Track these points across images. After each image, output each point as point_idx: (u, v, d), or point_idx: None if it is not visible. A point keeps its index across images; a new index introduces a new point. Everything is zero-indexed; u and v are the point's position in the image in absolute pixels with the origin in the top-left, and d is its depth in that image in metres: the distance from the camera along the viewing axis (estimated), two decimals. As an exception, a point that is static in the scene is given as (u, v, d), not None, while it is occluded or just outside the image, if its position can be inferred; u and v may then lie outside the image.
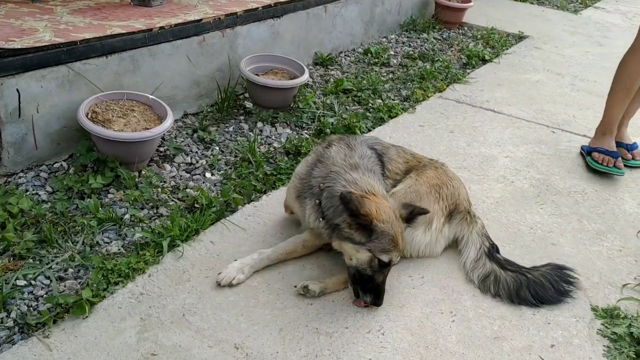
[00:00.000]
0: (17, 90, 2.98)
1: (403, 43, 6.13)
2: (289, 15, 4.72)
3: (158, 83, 3.73)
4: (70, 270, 2.51)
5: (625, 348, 2.35)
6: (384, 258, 2.25)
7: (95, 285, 2.37)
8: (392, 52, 5.80)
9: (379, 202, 2.31)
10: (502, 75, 5.35)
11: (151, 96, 3.45)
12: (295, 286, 2.51)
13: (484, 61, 5.73)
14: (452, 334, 2.38)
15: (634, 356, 2.32)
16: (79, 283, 2.44)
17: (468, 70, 5.47)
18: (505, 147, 4.00)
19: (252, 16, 4.35)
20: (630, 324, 2.45)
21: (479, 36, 6.51)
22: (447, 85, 4.98)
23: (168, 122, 3.23)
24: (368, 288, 2.32)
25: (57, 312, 2.24)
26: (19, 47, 2.99)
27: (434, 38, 6.34)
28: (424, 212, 2.43)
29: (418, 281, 2.66)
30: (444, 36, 6.49)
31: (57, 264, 2.54)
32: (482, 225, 2.83)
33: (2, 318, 2.23)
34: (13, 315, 2.25)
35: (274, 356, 2.18)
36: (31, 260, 2.53)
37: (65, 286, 2.42)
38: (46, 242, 2.63)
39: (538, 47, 6.31)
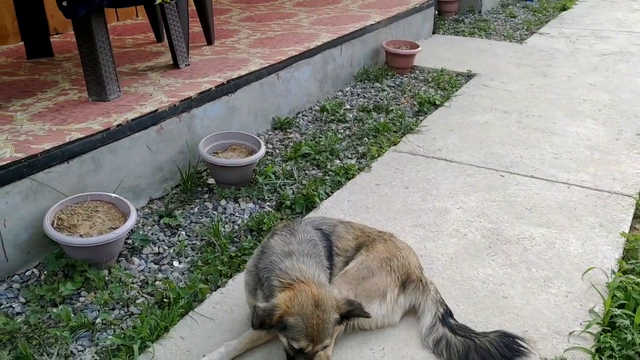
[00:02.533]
0: (-17, 210, 3.13)
1: (358, 95, 6.40)
2: (242, 89, 4.96)
3: (121, 177, 3.90)
4: (47, 385, 2.64)
5: (573, 399, 2.53)
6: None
7: (71, 401, 2.50)
8: (348, 106, 6.06)
9: (300, 292, 2.44)
10: (453, 120, 5.62)
11: (114, 195, 3.62)
12: (262, 376, 2.67)
13: (436, 106, 6.00)
14: (412, 406, 2.54)
15: (581, 407, 2.50)
16: (57, 398, 2.57)
17: (421, 118, 5.73)
18: (458, 197, 4.22)
19: (206, 97, 4.57)
20: (576, 374, 2.63)
21: (430, 79, 6.81)
22: (401, 137, 5.22)
23: (131, 221, 3.39)
24: None
25: None
26: (-19, 170, 3.15)
27: (388, 86, 6.63)
28: (364, 315, 2.57)
29: (379, 353, 2.82)
30: (397, 82, 6.78)
31: (34, 380, 2.66)
32: (435, 291, 3.02)
33: None
34: None
35: None
36: (9, 380, 2.66)
37: (43, 403, 2.54)
38: (22, 358, 2.75)
39: (486, 84, 6.62)
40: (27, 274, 3.37)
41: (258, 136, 4.67)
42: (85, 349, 2.85)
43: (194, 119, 4.47)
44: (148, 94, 4.47)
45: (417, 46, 7.10)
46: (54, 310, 3.06)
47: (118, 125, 3.86)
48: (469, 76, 6.93)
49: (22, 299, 3.17)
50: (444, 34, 9.11)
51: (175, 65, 5.18)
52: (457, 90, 6.46)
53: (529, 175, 4.52)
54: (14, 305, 3.12)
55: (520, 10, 10.93)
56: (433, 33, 8.95)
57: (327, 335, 2.44)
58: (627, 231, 3.75)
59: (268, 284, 2.60)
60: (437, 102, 6.04)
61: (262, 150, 4.33)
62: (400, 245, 3.10)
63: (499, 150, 4.97)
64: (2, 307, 3.10)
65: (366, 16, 7.37)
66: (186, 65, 5.23)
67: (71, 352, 2.82)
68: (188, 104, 4.40)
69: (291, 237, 2.81)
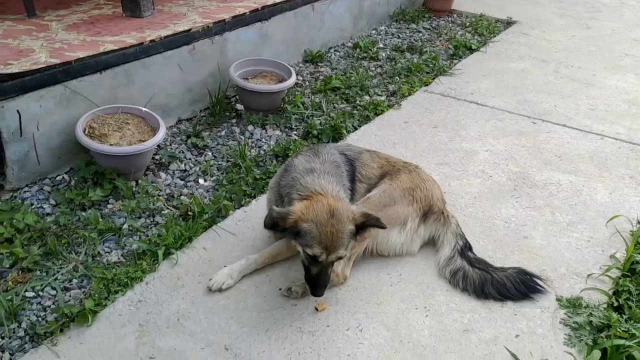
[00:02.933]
0: (18, 111, 3.18)
1: (392, 35, 6.26)
2: (276, 17, 4.87)
3: (152, 93, 3.92)
4: (75, 280, 2.74)
5: (585, 336, 2.55)
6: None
7: (97, 295, 2.60)
8: (381, 45, 5.93)
9: (316, 202, 2.46)
10: (488, 65, 5.48)
11: (144, 109, 3.64)
12: (280, 288, 2.73)
13: (471, 50, 5.85)
14: (425, 329, 2.59)
15: (592, 343, 2.52)
16: (83, 292, 2.68)
17: (455, 61, 5.60)
18: (486, 140, 4.16)
19: (240, 21, 4.51)
20: (590, 313, 2.65)
21: (468, 24, 6.62)
22: (433, 79, 5.12)
23: (160, 135, 3.43)
24: (307, 278, 2.52)
25: (64, 321, 2.48)
26: (17, 71, 3.18)
27: (423, 28, 6.46)
28: (379, 226, 2.53)
29: (396, 278, 2.86)
30: (433, 25, 6.60)
31: (62, 274, 2.77)
32: (456, 224, 3.03)
33: (14, 328, 2.48)
34: (24, 325, 2.49)
35: (261, 355, 2.41)
36: (38, 273, 2.77)
37: (70, 296, 2.65)
38: (51, 254, 2.86)
39: (526, 32, 6.41)
40: (57, 178, 3.45)
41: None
42: (112, 250, 2.95)
43: (226, 42, 4.43)
44: (182, 13, 4.43)
45: (458, -12, 6.87)
46: (83, 213, 3.15)
47: (151, 41, 3.85)
48: (509, 23, 6.71)
49: (52, 201, 3.26)
50: (486, -20, 8.78)
51: (210, -12, 5.09)
52: (495, 36, 6.27)
53: (562, 124, 4.42)
54: (44, 206, 3.22)
55: (568, -39, 10.43)
56: (475, -22, 8.61)
57: (342, 245, 2.44)
58: (657, 185, 3.68)
59: (288, 199, 2.63)
60: (474, 47, 5.88)
61: (293, 79, 4.29)
62: (424, 177, 3.09)
63: (533, 97, 4.85)
64: (33, 206, 3.20)
65: (407, -46, 7.12)
66: (221, -11, 5.14)
67: (98, 252, 2.92)
68: (221, 27, 4.35)
69: (315, 157, 2.82)
